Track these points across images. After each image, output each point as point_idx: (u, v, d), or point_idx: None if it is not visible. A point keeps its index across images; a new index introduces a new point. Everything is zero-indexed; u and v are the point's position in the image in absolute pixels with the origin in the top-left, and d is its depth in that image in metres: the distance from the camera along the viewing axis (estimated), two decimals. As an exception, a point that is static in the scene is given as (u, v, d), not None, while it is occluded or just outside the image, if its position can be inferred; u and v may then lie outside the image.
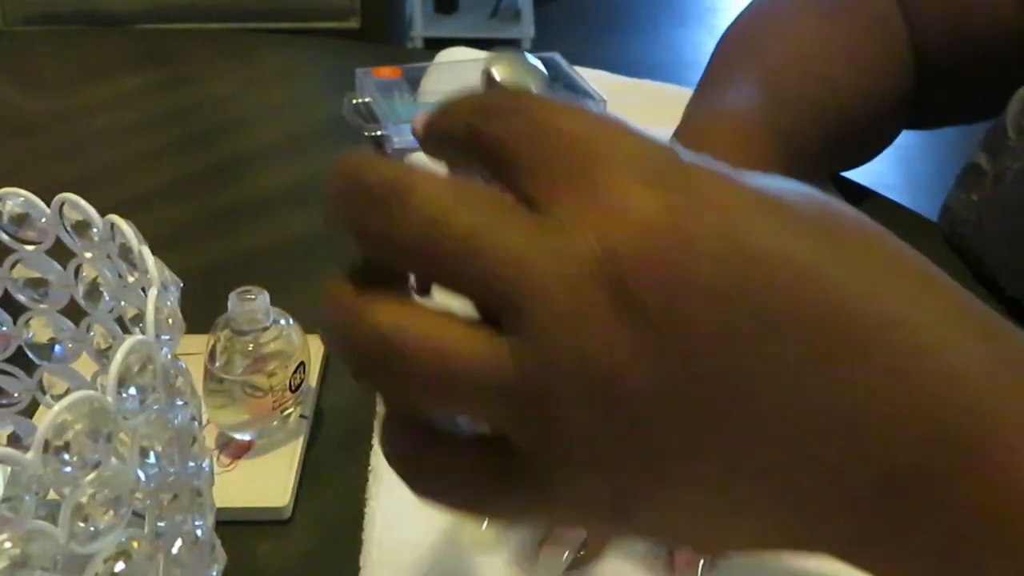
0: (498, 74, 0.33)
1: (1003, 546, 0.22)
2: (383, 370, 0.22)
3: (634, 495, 0.23)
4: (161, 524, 0.25)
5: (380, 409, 0.46)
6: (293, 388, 0.43)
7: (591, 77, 0.75)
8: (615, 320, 0.21)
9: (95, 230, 0.29)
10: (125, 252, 0.28)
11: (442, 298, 0.22)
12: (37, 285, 0.33)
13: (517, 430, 0.22)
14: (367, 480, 0.42)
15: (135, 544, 0.23)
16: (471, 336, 0.22)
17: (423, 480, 0.24)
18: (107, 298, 0.32)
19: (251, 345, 0.41)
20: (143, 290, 0.27)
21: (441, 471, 0.24)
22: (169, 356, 0.25)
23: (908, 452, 0.22)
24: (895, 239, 0.24)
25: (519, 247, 0.21)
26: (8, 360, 0.35)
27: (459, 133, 0.23)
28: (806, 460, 0.22)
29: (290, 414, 0.44)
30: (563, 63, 0.76)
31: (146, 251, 0.26)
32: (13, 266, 0.32)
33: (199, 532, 0.27)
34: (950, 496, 0.23)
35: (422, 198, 0.21)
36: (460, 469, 0.24)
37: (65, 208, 0.29)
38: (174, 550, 0.25)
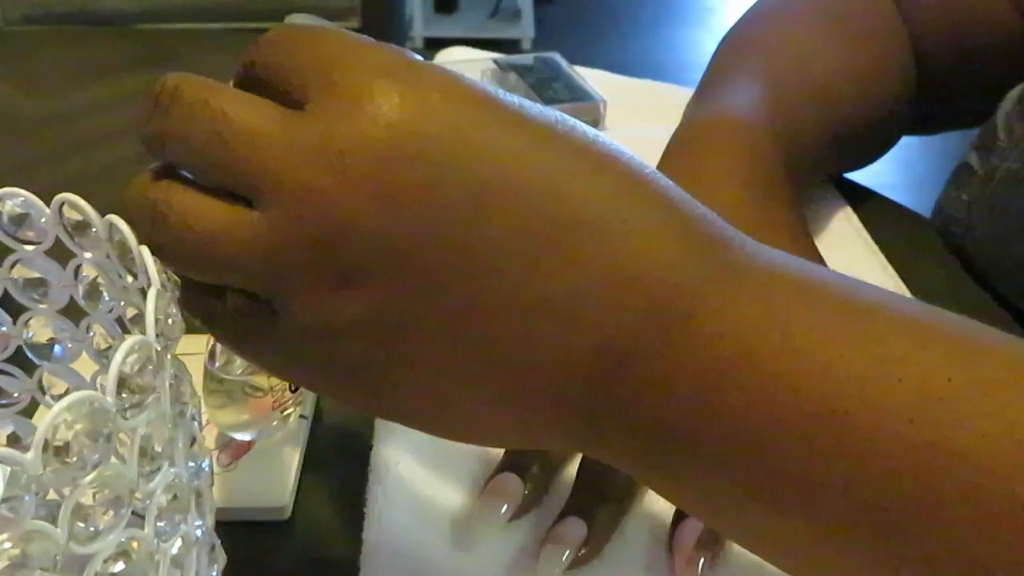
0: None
1: (708, 414, 0.25)
2: (151, 232, 0.26)
3: (369, 365, 0.26)
4: (161, 524, 0.25)
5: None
6: (293, 388, 0.43)
7: (591, 77, 0.75)
8: (338, 196, 0.24)
9: (95, 230, 0.29)
10: (124, 252, 0.28)
11: None
12: (37, 285, 0.33)
13: (264, 294, 0.26)
14: (367, 480, 0.42)
15: (135, 544, 0.23)
16: (219, 208, 0.25)
17: (206, 322, 0.28)
18: (107, 298, 0.32)
19: (251, 345, 0.41)
20: (143, 290, 0.27)
21: (214, 315, 0.27)
22: (169, 356, 0.25)
23: (619, 327, 0.25)
24: (617, 148, 0.26)
25: (259, 134, 0.24)
26: (8, 360, 0.35)
27: (242, 72, 0.27)
28: (524, 336, 0.25)
29: (290, 414, 0.44)
30: (563, 63, 0.76)
31: (145, 251, 0.26)
32: (13, 266, 0.32)
33: (199, 532, 0.27)
34: (659, 365, 0.25)
35: (186, 95, 0.25)
36: (227, 318, 0.27)
37: (65, 208, 0.29)
38: (174, 550, 0.25)
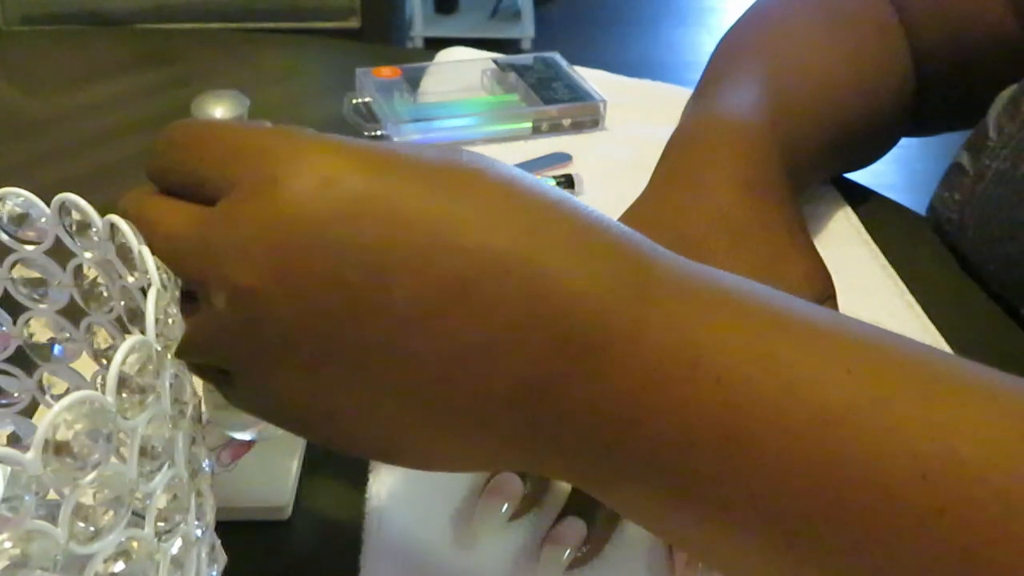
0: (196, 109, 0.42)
1: (625, 438, 0.26)
2: None
3: (313, 416, 0.28)
4: (161, 524, 0.25)
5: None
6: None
7: (591, 77, 0.75)
8: (249, 288, 0.26)
9: (95, 230, 0.29)
10: (125, 252, 0.28)
11: None
12: (37, 285, 0.33)
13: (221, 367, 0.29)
14: (367, 480, 0.42)
15: (135, 544, 0.23)
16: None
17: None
18: (107, 298, 0.32)
19: (251, 345, 0.41)
20: (143, 290, 0.27)
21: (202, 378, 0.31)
22: (169, 356, 0.25)
23: (536, 365, 0.26)
24: (520, 183, 0.27)
25: (179, 240, 0.27)
26: (8, 360, 0.35)
27: (157, 176, 0.30)
28: (445, 382, 0.26)
29: (290, 414, 0.44)
30: (563, 63, 0.76)
31: (146, 251, 0.26)
32: (13, 266, 0.32)
33: (199, 532, 0.27)
34: (577, 396, 0.26)
35: (129, 213, 0.29)
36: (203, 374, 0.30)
37: (65, 208, 0.29)
38: (174, 550, 0.25)
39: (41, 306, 0.33)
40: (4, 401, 0.36)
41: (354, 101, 0.70)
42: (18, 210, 0.31)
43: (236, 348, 0.28)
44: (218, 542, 0.31)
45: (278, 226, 0.26)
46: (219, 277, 0.26)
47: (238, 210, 0.27)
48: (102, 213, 0.29)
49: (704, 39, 3.06)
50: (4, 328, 0.34)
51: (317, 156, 0.27)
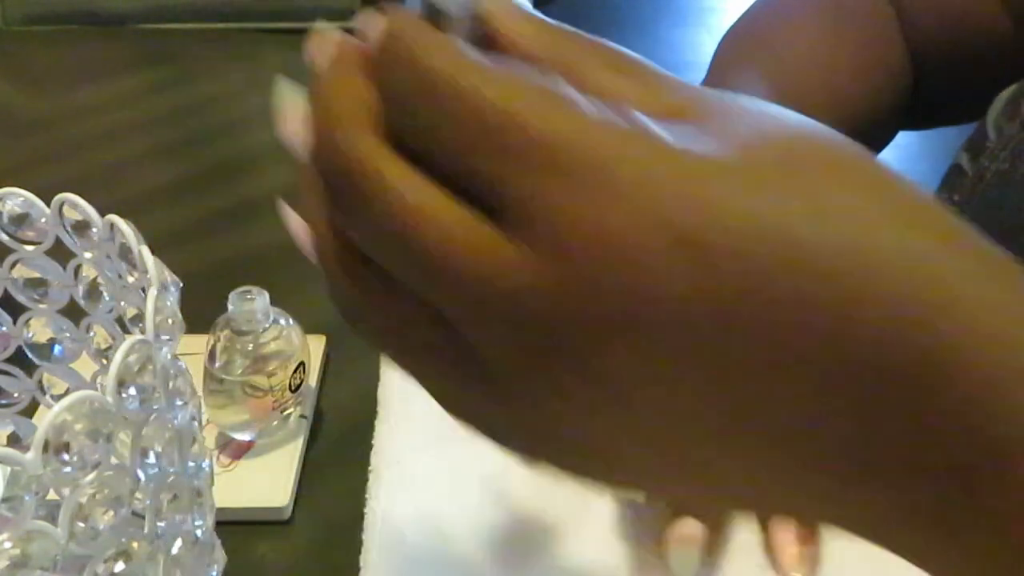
0: None
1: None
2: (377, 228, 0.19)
3: (610, 440, 0.20)
4: (161, 524, 0.25)
5: (380, 407, 0.46)
6: (293, 388, 0.43)
7: (591, 77, 0.74)
8: (652, 269, 0.18)
9: (95, 230, 0.29)
10: (125, 252, 0.28)
11: None
12: (37, 285, 0.33)
13: (491, 341, 0.19)
14: (367, 480, 0.42)
15: (135, 544, 0.23)
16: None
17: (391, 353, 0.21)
18: (107, 298, 0.32)
19: (251, 345, 0.41)
20: (143, 290, 0.27)
21: (409, 351, 0.21)
22: (169, 356, 0.25)
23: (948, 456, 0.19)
24: (912, 187, 0.20)
25: (469, 261, 0.19)
26: (8, 360, 0.35)
27: (388, 123, 0.20)
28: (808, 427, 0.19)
29: (290, 414, 0.44)
30: (563, 63, 0.75)
31: (146, 251, 0.26)
32: (13, 266, 0.32)
33: (199, 532, 0.27)
34: (985, 500, 0.19)
35: (386, 198, 0.19)
36: (415, 340, 0.21)
37: (65, 208, 0.29)
38: (174, 550, 0.25)
39: (41, 306, 0.33)
40: (4, 401, 0.36)
41: (354, 101, 0.70)
42: (18, 210, 0.31)
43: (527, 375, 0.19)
44: (218, 542, 0.31)
45: (628, 314, 0.18)
46: (526, 350, 0.19)
47: (567, 271, 0.18)
48: (102, 213, 0.29)
49: (704, 39, 3.06)
50: (4, 328, 0.34)
51: (677, 197, 0.18)
